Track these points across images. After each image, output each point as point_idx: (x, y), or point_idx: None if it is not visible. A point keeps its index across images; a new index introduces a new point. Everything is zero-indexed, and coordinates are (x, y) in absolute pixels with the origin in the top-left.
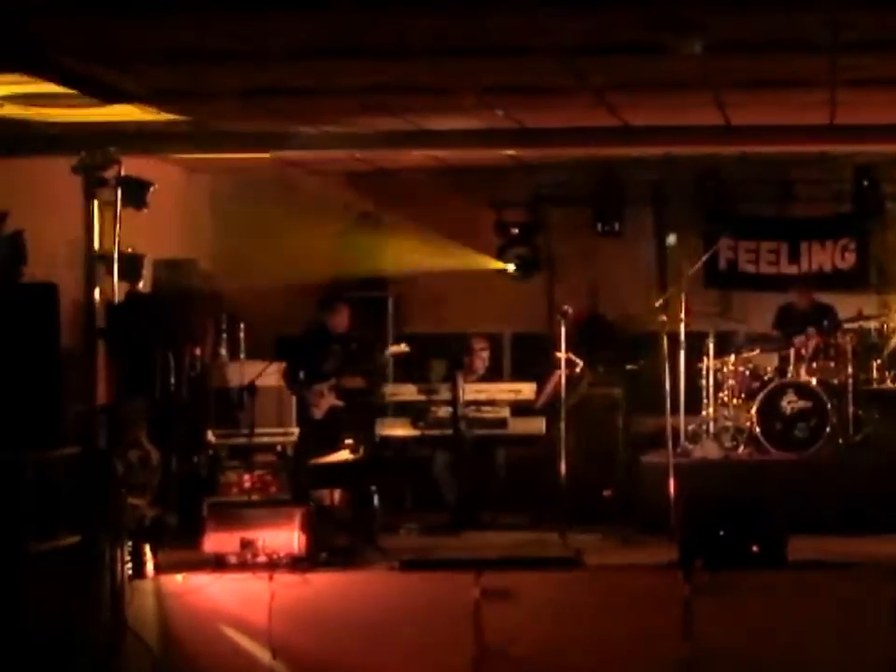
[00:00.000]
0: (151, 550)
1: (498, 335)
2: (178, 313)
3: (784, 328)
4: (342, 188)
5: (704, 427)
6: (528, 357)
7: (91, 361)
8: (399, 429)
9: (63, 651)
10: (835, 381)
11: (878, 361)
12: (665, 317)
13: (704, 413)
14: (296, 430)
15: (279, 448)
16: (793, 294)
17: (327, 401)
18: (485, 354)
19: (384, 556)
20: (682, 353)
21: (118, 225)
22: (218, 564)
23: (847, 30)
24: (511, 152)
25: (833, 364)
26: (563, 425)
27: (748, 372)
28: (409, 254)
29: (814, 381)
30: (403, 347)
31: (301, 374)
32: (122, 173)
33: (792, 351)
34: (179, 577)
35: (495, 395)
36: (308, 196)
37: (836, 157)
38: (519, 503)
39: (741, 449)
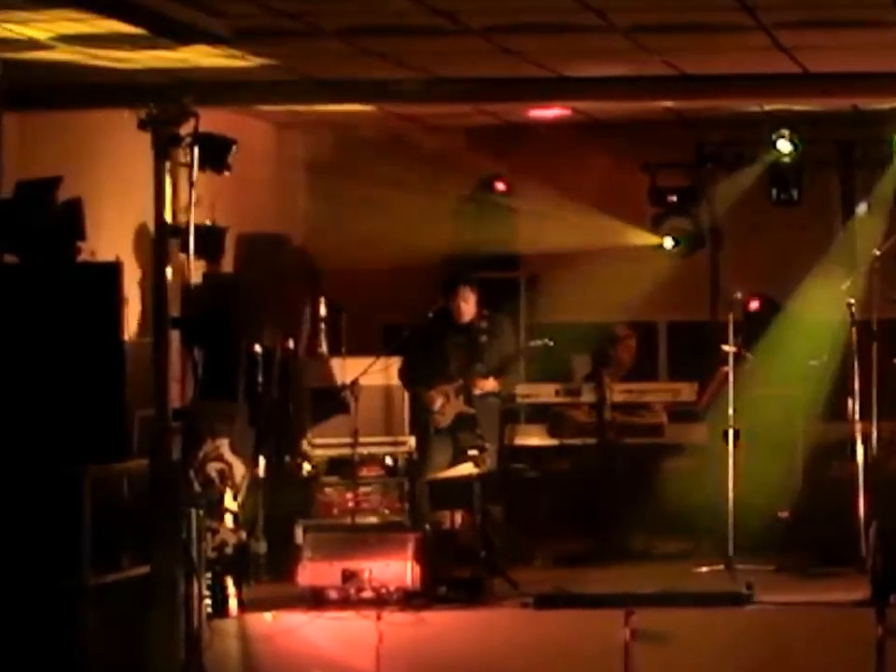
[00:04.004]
0: (235, 583)
1: (652, 324)
2: (267, 298)
3: None
4: (464, 146)
5: None
6: (688, 351)
7: (162, 356)
8: (533, 438)
9: None
10: None
11: None
12: (853, 303)
13: None
14: (409, 439)
15: (389, 460)
16: None
17: (454, 406)
18: (632, 344)
19: (514, 590)
20: (875, 345)
21: (194, 192)
22: (316, 600)
23: None
24: (668, 104)
25: None
26: (731, 432)
27: None
28: (544, 226)
29: None
30: (546, 342)
31: (421, 373)
32: (199, 129)
33: None
34: (268, 615)
35: (649, 396)
36: (424, 157)
37: None
38: (677, 527)
39: None
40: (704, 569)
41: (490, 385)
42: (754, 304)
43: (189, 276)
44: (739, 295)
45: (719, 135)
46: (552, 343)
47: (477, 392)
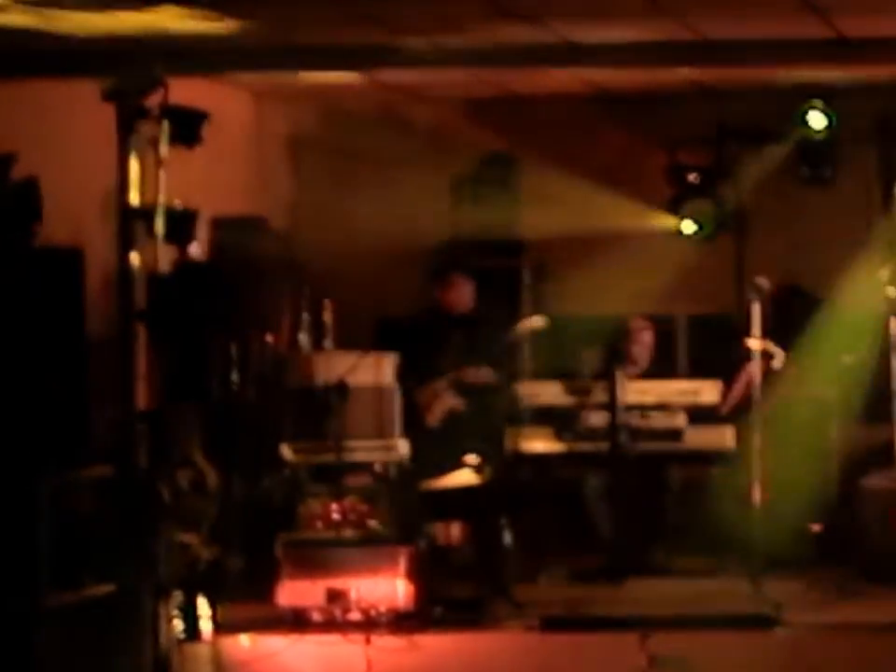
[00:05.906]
0: (208, 603)
1: (670, 317)
2: (244, 288)
3: None
4: (462, 120)
5: None
6: (710, 347)
7: (127, 352)
8: (538, 442)
9: None
10: None
11: None
12: (893, 292)
13: None
14: (401, 443)
15: (378, 467)
16: None
17: (443, 403)
18: (648, 339)
19: (519, 612)
20: None
21: (163, 170)
22: (297, 622)
23: None
24: (688, 73)
25: None
26: (757, 437)
27: None
28: (552, 209)
29: None
30: (537, 321)
31: (415, 372)
32: (169, 100)
33: None
34: (245, 639)
35: (666, 397)
36: (418, 132)
37: None
38: (698, 541)
39: None
40: (728, 588)
41: (483, 375)
42: (783, 295)
43: (156, 264)
44: (767, 284)
45: (744, 108)
46: (542, 324)
47: (470, 381)
